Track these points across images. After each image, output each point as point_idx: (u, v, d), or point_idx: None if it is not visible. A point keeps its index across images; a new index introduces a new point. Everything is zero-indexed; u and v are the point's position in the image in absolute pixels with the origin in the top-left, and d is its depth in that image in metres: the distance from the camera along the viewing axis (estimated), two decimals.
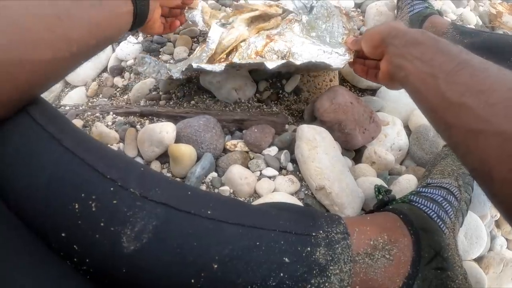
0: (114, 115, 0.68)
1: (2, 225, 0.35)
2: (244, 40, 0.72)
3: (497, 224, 0.79)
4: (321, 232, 0.41)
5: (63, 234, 0.35)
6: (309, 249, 0.39)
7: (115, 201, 0.36)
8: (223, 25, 0.75)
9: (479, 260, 0.71)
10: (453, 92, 0.38)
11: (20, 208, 0.36)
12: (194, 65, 0.60)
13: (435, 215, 0.50)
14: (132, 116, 0.67)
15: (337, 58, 0.68)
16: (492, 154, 0.33)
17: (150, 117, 0.66)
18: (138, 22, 0.54)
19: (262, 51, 0.71)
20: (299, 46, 0.71)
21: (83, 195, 0.36)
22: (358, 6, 1.03)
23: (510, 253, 0.77)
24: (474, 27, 1.09)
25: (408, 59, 0.46)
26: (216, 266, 0.36)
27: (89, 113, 0.69)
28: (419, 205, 0.52)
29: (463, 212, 0.57)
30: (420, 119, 0.76)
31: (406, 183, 0.65)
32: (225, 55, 0.72)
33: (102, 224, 0.35)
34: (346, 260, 0.40)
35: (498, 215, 0.79)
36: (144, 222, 0.36)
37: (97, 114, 0.68)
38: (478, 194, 0.71)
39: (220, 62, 0.71)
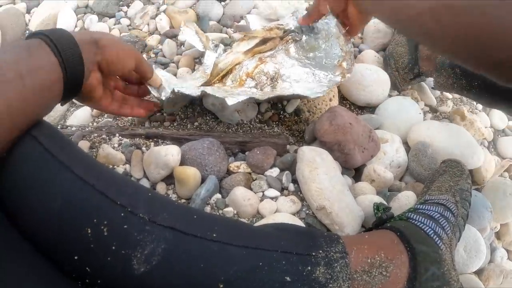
0: (120, 137, 0.71)
1: (14, 250, 0.38)
2: (239, 63, 0.78)
3: (498, 236, 0.83)
4: (320, 251, 0.45)
5: (76, 257, 0.39)
6: (309, 268, 0.43)
7: (125, 226, 0.39)
8: (220, 48, 0.81)
9: (479, 272, 0.75)
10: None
11: (33, 234, 0.39)
12: (175, 89, 0.64)
13: (431, 231, 0.54)
14: (137, 138, 0.71)
15: (319, 84, 0.73)
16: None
17: (155, 139, 0.70)
18: (72, 89, 0.48)
19: (252, 72, 0.77)
20: (288, 68, 0.77)
21: (95, 220, 0.39)
22: None
23: (511, 264, 0.80)
24: None
25: None
26: (222, 286, 0.39)
27: (96, 134, 0.72)
28: (416, 222, 0.55)
29: (460, 227, 0.60)
30: (418, 135, 0.80)
31: (405, 200, 0.69)
32: (220, 77, 0.77)
33: (113, 247, 0.39)
34: (344, 278, 0.43)
35: (499, 226, 0.82)
36: (153, 246, 0.39)
37: (103, 136, 0.72)
38: (477, 208, 0.74)
39: (214, 84, 0.76)
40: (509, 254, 0.82)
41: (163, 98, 0.64)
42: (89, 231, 0.38)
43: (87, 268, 0.39)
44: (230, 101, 0.61)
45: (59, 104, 0.48)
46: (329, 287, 0.42)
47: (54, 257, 0.39)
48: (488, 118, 0.98)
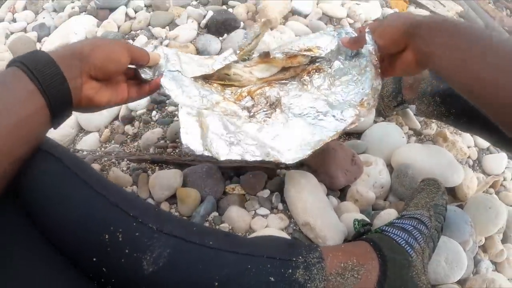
0: (128, 161, 0.83)
1: (39, 251, 0.48)
2: (249, 81, 0.76)
3: (484, 249, 0.89)
4: (300, 257, 0.55)
5: (94, 259, 0.48)
6: (290, 271, 0.53)
7: (137, 233, 0.50)
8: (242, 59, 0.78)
9: (462, 282, 0.81)
10: (487, 72, 0.48)
11: (57, 239, 0.49)
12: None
13: (403, 241, 0.63)
14: (144, 163, 0.82)
15: (312, 134, 0.69)
16: None
17: (159, 164, 0.82)
18: (61, 111, 0.50)
19: (254, 92, 0.75)
20: (293, 98, 0.74)
21: (112, 228, 0.49)
22: None
23: (499, 275, 0.86)
24: None
25: (436, 46, 0.54)
26: (216, 284, 0.50)
27: (106, 158, 0.84)
28: (389, 234, 0.65)
29: (433, 238, 0.69)
30: (401, 157, 0.90)
31: (387, 217, 0.79)
32: (222, 84, 0.76)
33: (127, 251, 0.49)
34: (320, 279, 0.53)
35: (483, 240, 0.90)
36: (161, 250, 0.49)
37: (113, 160, 0.84)
38: (457, 222, 0.82)
39: (214, 83, 0.75)
40: (496, 266, 0.89)
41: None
42: (107, 237, 0.48)
43: (103, 269, 0.49)
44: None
45: (53, 127, 0.52)
46: (307, 286, 0.52)
47: (75, 259, 0.49)
48: (472, 138, 1.07)
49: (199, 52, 1.07)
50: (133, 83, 0.66)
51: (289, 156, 0.66)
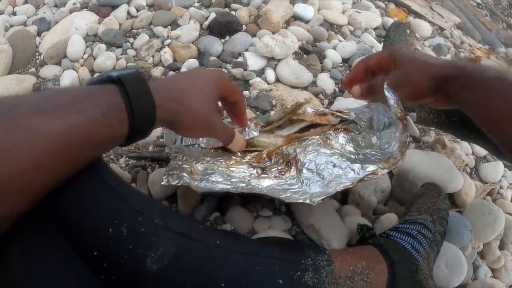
0: (127, 158, 0.79)
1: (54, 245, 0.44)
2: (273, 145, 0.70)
3: (482, 255, 0.87)
4: (309, 259, 0.51)
5: (95, 253, 0.44)
6: (299, 273, 0.49)
7: (142, 229, 0.46)
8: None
9: None
10: None
11: (63, 227, 0.44)
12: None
13: (409, 245, 0.61)
14: (143, 160, 0.78)
15: (325, 187, 0.61)
16: None
17: (159, 161, 0.77)
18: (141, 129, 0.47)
19: (272, 152, 0.68)
20: (309, 154, 0.67)
21: (116, 221, 0.45)
22: (345, 61, 1.15)
23: (496, 281, 0.84)
24: None
25: (465, 101, 0.53)
26: (223, 285, 0.46)
27: (104, 155, 0.80)
28: (395, 238, 0.62)
29: (437, 242, 0.67)
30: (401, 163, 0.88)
31: (387, 221, 0.76)
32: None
33: (130, 246, 0.44)
34: (330, 282, 0.50)
35: (482, 246, 0.88)
36: (166, 247, 0.46)
37: (112, 156, 0.79)
38: (457, 227, 0.80)
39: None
40: (494, 272, 0.87)
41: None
42: (110, 230, 0.44)
43: (104, 264, 0.44)
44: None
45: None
46: None
47: (79, 252, 0.44)
48: (470, 146, 1.05)
49: (200, 53, 1.04)
50: None
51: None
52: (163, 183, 0.58)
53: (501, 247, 0.90)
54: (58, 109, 0.40)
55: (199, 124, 0.54)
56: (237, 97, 0.63)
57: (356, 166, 0.64)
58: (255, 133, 0.74)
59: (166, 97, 0.49)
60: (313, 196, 0.58)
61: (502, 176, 1.04)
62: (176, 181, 0.57)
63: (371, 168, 0.63)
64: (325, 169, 0.64)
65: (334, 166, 0.64)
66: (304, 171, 0.64)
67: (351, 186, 0.60)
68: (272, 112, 0.77)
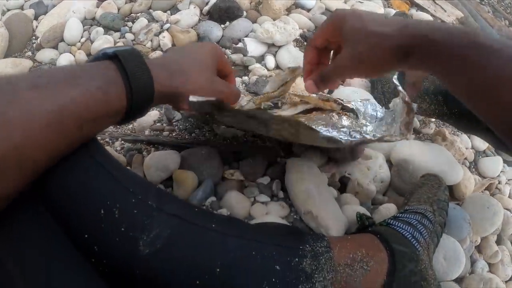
0: (122, 142, 0.76)
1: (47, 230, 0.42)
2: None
3: (479, 250, 0.86)
4: (307, 246, 0.49)
5: (86, 235, 0.42)
6: (297, 259, 0.47)
7: (135, 211, 0.43)
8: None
9: (459, 281, 0.78)
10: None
11: (51, 209, 0.42)
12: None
13: (409, 235, 0.59)
14: (139, 144, 0.76)
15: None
16: None
17: (156, 145, 0.75)
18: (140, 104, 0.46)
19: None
20: (320, 126, 0.66)
21: (108, 202, 0.42)
22: None
23: (493, 276, 0.82)
24: None
25: (433, 71, 0.47)
26: (219, 270, 0.44)
27: (99, 137, 0.77)
28: (395, 227, 0.60)
29: (437, 233, 0.65)
30: (400, 153, 0.86)
31: (386, 211, 0.74)
32: None
33: (122, 229, 0.42)
34: (328, 270, 0.48)
35: (479, 240, 0.87)
36: (159, 230, 0.43)
37: (107, 139, 0.77)
38: (456, 220, 0.79)
39: None
40: (490, 267, 0.86)
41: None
42: (102, 212, 0.42)
43: (95, 247, 0.42)
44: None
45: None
46: (314, 277, 0.47)
47: (67, 234, 0.42)
48: (469, 140, 1.03)
49: (200, 38, 1.01)
50: None
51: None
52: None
53: (498, 242, 0.89)
54: (54, 84, 0.38)
55: (204, 91, 0.52)
56: (230, 69, 0.62)
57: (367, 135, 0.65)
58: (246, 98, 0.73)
59: (164, 70, 0.48)
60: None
61: (501, 172, 1.02)
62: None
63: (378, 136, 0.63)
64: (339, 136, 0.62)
65: (349, 133, 0.63)
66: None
67: (375, 141, 0.61)
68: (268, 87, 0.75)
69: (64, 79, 0.39)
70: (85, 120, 0.40)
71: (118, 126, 0.91)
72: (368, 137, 0.63)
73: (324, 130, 0.58)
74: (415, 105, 0.61)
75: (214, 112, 0.55)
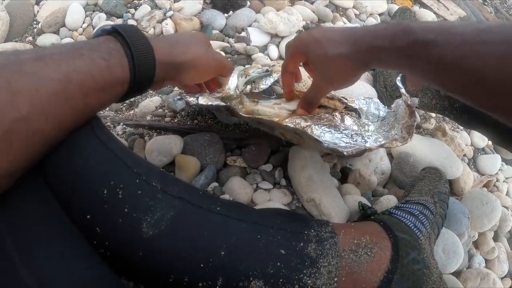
0: (124, 126, 0.75)
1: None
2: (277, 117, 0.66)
3: (476, 245, 0.87)
4: (312, 231, 0.48)
5: (88, 216, 0.41)
6: (302, 244, 0.46)
7: (139, 192, 0.42)
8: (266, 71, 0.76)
9: (457, 275, 0.78)
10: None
11: (57, 191, 0.41)
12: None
13: (412, 224, 0.58)
14: (141, 128, 0.74)
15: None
16: None
17: (158, 130, 0.74)
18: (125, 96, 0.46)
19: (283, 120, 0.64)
20: (323, 126, 0.64)
21: (112, 182, 0.41)
22: None
23: (490, 272, 0.82)
24: None
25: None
26: (223, 253, 0.42)
27: None
28: (397, 216, 0.60)
29: (438, 224, 0.65)
30: (401, 146, 0.85)
31: (386, 202, 0.74)
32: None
33: (126, 210, 0.41)
34: (333, 255, 0.47)
35: (477, 235, 0.87)
36: (163, 212, 0.42)
37: (108, 123, 0.75)
38: (455, 214, 0.79)
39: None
40: (487, 263, 0.86)
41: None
42: (105, 192, 0.40)
43: (97, 229, 0.41)
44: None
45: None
46: (319, 262, 0.46)
47: (69, 216, 0.41)
48: (469, 137, 1.03)
49: (203, 26, 1.00)
50: None
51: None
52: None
53: (495, 239, 0.89)
54: (58, 55, 0.38)
55: (203, 60, 0.54)
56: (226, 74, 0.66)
57: (369, 139, 0.66)
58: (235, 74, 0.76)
59: (163, 42, 0.50)
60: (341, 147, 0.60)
61: (499, 170, 1.02)
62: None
63: (380, 140, 0.65)
64: (341, 139, 0.64)
65: (352, 136, 0.65)
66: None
67: (375, 149, 0.63)
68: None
69: (68, 51, 0.39)
70: (89, 88, 0.39)
71: (119, 111, 0.90)
72: (368, 145, 0.64)
73: (327, 143, 0.59)
74: (417, 116, 0.62)
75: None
